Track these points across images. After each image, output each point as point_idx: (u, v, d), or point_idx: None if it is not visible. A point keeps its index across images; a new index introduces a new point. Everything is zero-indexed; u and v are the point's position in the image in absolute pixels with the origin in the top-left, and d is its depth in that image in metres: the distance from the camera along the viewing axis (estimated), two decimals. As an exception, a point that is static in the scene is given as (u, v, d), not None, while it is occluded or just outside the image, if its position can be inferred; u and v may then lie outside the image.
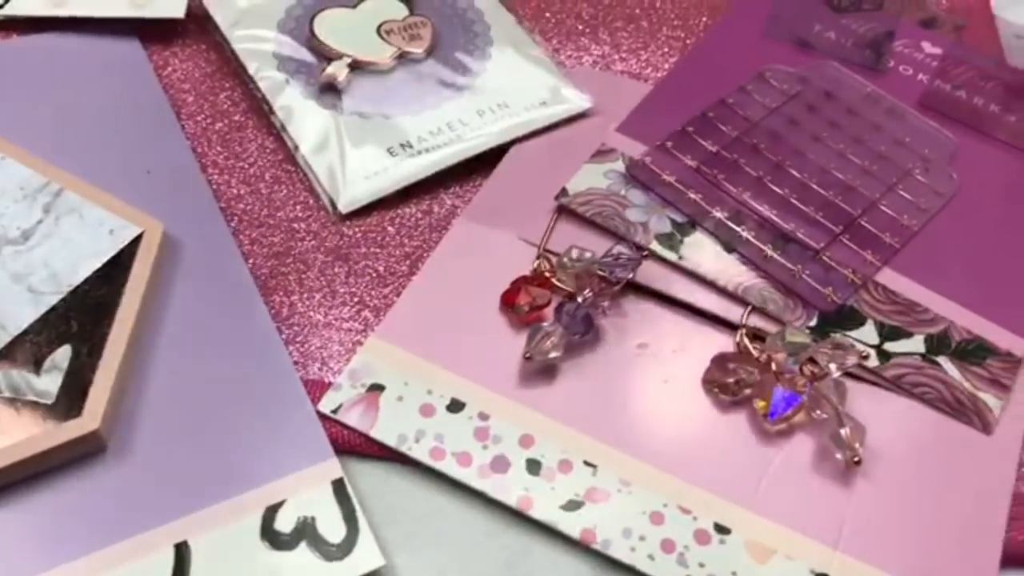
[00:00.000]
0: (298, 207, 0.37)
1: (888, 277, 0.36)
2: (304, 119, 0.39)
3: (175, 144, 0.38)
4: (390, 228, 0.37)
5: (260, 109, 0.40)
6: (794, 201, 0.37)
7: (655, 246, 0.36)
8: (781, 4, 0.46)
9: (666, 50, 0.45)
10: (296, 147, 0.38)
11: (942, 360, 0.34)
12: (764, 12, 0.45)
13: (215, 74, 0.42)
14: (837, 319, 0.34)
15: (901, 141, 0.40)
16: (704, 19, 0.46)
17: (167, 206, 0.36)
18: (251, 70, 0.40)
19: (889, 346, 0.34)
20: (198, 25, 0.43)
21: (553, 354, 0.32)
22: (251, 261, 0.36)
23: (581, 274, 0.34)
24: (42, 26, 0.42)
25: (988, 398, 0.33)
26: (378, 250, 0.36)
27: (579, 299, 0.33)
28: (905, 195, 0.38)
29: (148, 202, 0.36)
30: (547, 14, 0.46)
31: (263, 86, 0.40)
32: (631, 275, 0.34)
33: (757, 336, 0.34)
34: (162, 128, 0.39)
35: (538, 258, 0.35)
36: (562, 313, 0.33)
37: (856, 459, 0.31)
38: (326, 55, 0.41)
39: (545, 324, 0.33)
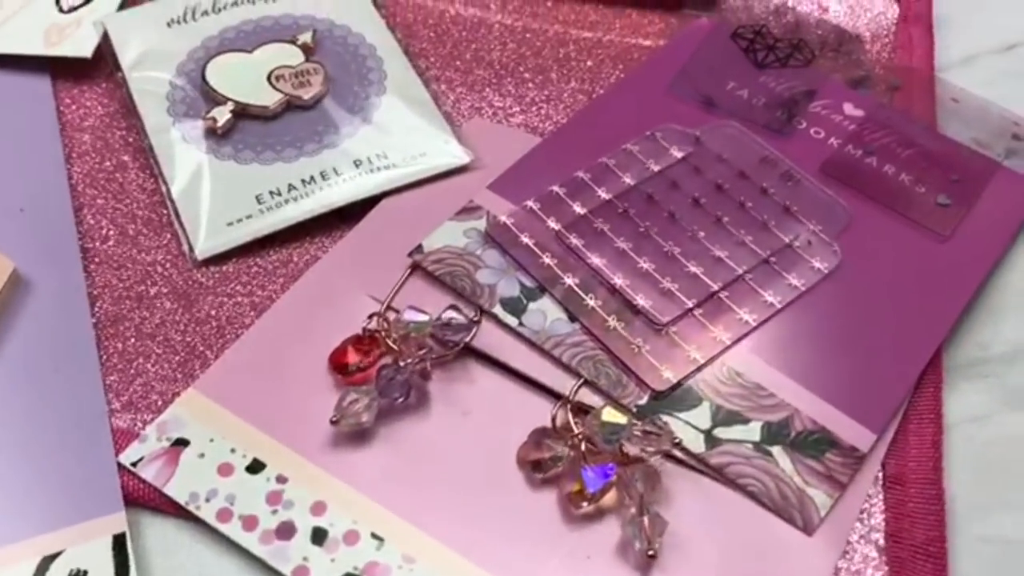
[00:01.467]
0: (160, 251, 0.38)
1: (738, 356, 0.34)
2: (180, 162, 0.39)
3: (56, 184, 0.39)
4: (245, 277, 0.37)
5: (148, 150, 0.41)
6: (652, 272, 0.36)
7: (497, 310, 0.35)
8: (697, 59, 0.44)
9: (570, 103, 0.44)
10: (168, 190, 0.39)
11: (776, 451, 0.32)
12: (676, 68, 0.44)
13: (115, 114, 0.43)
14: (670, 399, 0.33)
15: (788, 210, 0.38)
16: (618, 73, 0.45)
17: (30, 245, 0.37)
18: (140, 110, 0.41)
19: (720, 432, 0.32)
20: (111, 63, 0.44)
21: (364, 418, 0.32)
22: (99, 304, 0.36)
23: (413, 337, 0.34)
24: (-40, 60, 0.44)
25: (818, 495, 0.31)
26: (226, 299, 0.37)
27: (401, 363, 0.33)
28: (778, 269, 0.37)
29: (13, 240, 0.37)
30: (457, 61, 0.45)
31: (148, 126, 0.41)
32: (462, 341, 0.34)
33: (584, 410, 0.33)
34: (48, 167, 0.40)
35: (371, 317, 0.35)
36: (380, 376, 0.33)
37: (651, 552, 0.29)
38: (215, 100, 0.41)
39: (359, 387, 0.33)
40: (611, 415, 0.32)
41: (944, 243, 0.38)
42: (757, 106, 0.43)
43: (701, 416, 0.33)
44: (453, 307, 0.34)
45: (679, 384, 0.33)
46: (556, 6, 0.48)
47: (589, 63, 0.46)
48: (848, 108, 0.43)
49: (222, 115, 0.40)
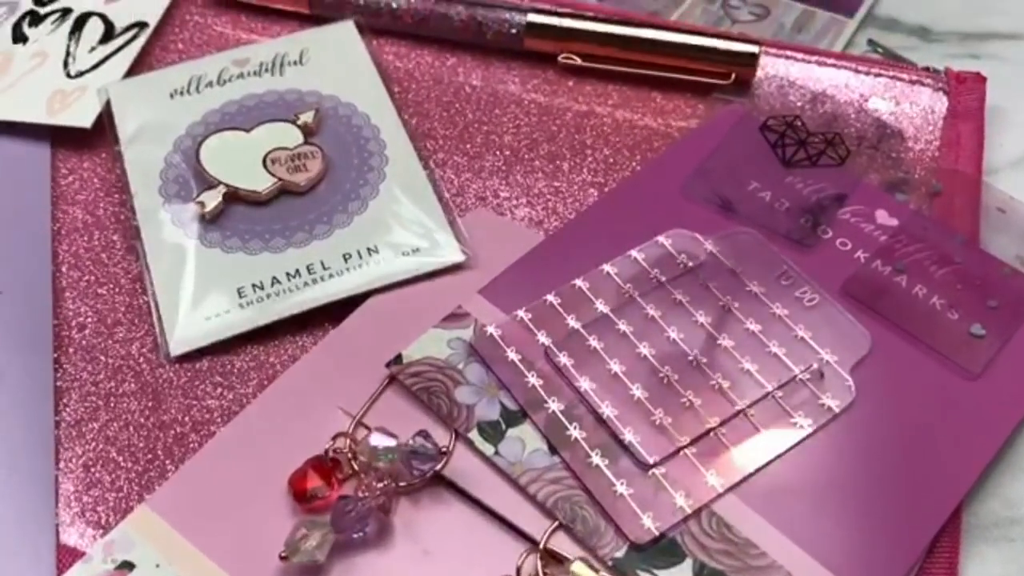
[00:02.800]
0: (135, 343, 0.37)
1: (729, 506, 0.31)
2: (165, 247, 0.38)
3: (39, 266, 0.38)
4: (217, 376, 0.36)
5: (135, 232, 0.39)
6: (644, 400, 0.33)
7: (474, 435, 0.33)
8: (720, 154, 0.42)
9: (580, 197, 0.41)
10: (149, 276, 0.38)
11: (761, 621, 0.29)
12: (696, 162, 0.41)
13: (111, 188, 0.42)
14: (650, 552, 0.30)
15: (802, 336, 0.35)
16: (635, 164, 0.43)
17: (3, 332, 0.36)
18: (132, 188, 0.40)
19: (701, 594, 0.30)
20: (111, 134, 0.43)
21: (316, 556, 0.30)
22: (65, 400, 0.35)
23: (379, 464, 0.32)
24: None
25: None
26: (195, 401, 0.35)
27: (361, 494, 0.31)
28: (784, 406, 0.34)
29: (-13, 326, 0.36)
30: (468, 144, 0.43)
31: (137, 206, 0.39)
32: (429, 471, 0.32)
33: (556, 558, 0.30)
34: (35, 246, 0.39)
35: (337, 437, 0.33)
36: (337, 509, 0.31)
37: None
38: (207, 181, 0.40)
39: (314, 519, 0.30)
40: (581, 569, 0.29)
41: (974, 381, 0.35)
42: (780, 211, 0.40)
43: (683, 573, 0.30)
44: (422, 433, 0.32)
45: (662, 536, 0.31)
46: (579, 84, 0.46)
47: (605, 151, 0.43)
48: (881, 216, 0.40)
49: (211, 200, 0.39)
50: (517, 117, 0.44)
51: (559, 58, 0.46)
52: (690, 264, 0.37)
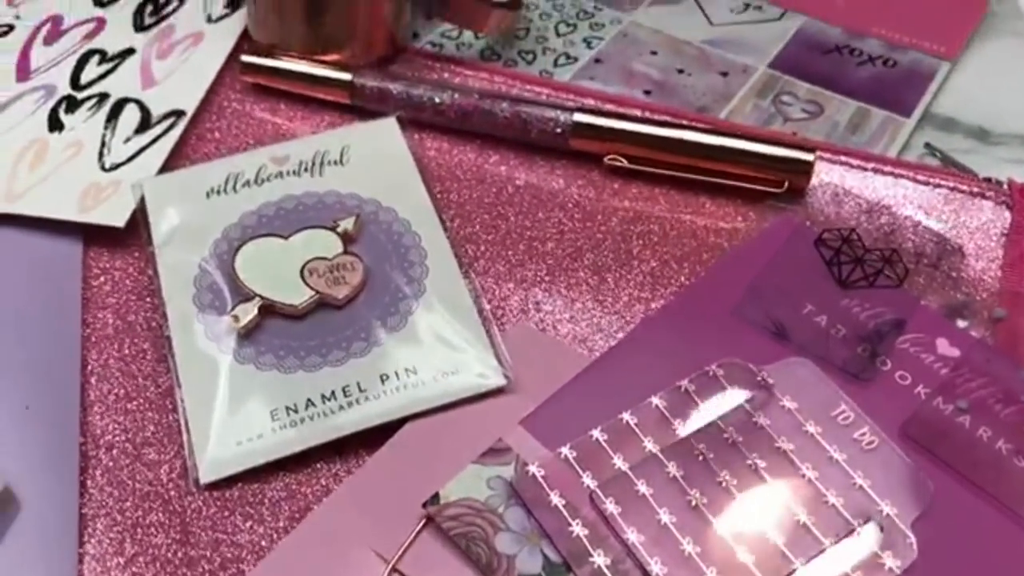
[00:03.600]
0: (164, 468, 0.35)
1: None
2: (196, 361, 0.37)
3: (68, 378, 0.37)
4: (248, 508, 0.34)
5: (167, 342, 0.38)
6: (695, 556, 0.32)
7: (514, 590, 0.31)
8: (773, 270, 0.40)
9: (626, 315, 0.40)
10: (180, 393, 0.36)
11: None
12: (749, 279, 0.40)
13: (143, 291, 0.40)
14: None
15: (861, 485, 0.34)
16: (684, 277, 0.41)
17: (28, 453, 0.35)
18: (165, 295, 0.39)
19: None
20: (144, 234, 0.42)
21: None
22: (90, 530, 0.34)
23: (415, 616, 0.30)
24: (-4, 218, 0.42)
25: None
26: (224, 536, 0.34)
27: (395, 655, 0.29)
28: (841, 564, 0.32)
29: (11, 444, 0.35)
30: (510, 251, 0.42)
31: (170, 315, 0.38)
32: (467, 631, 0.30)
33: None
34: (64, 356, 0.38)
35: (372, 588, 0.31)
36: (370, 671, 0.29)
37: None
38: (243, 292, 0.38)
39: None
40: None
41: (1044, 539, 0.33)
42: (836, 339, 0.38)
43: None
44: (467, 586, 0.30)
45: None
46: (625, 187, 0.45)
47: (653, 263, 0.41)
48: (942, 345, 0.38)
49: (246, 314, 0.37)
50: (561, 222, 0.43)
51: (605, 159, 0.45)
52: (741, 399, 0.36)
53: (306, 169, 0.43)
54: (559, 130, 0.45)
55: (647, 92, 0.50)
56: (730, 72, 0.51)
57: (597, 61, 0.51)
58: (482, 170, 0.45)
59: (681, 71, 0.51)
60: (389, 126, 0.45)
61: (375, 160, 0.43)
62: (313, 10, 0.47)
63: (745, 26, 0.53)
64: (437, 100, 0.46)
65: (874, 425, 0.35)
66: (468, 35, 0.52)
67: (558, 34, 0.53)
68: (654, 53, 0.52)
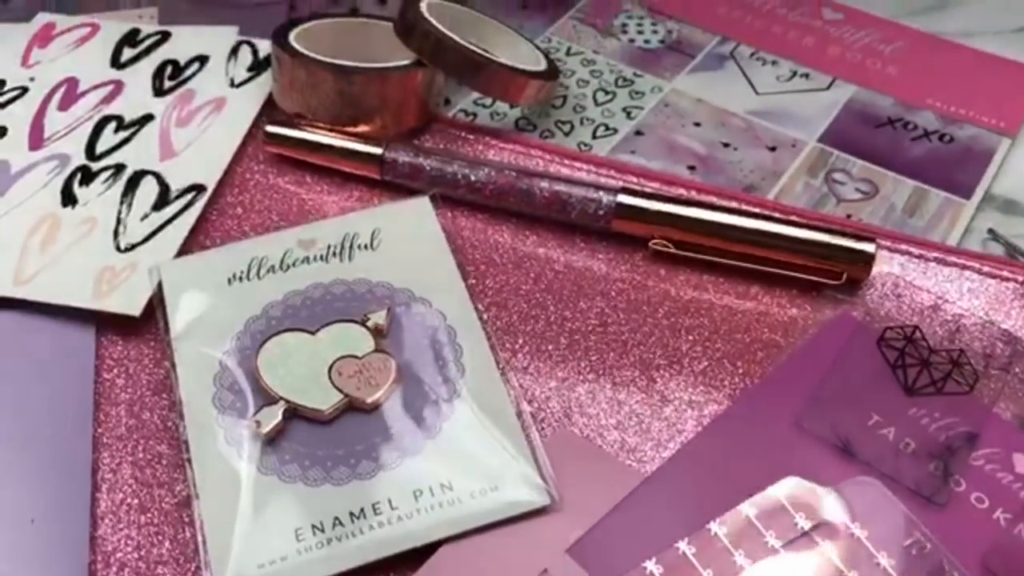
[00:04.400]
0: (179, 592, 0.33)
1: None
2: (215, 470, 0.34)
3: (78, 485, 0.34)
4: (270, 641, 0.31)
5: (184, 447, 0.36)
6: None
7: None
8: (836, 376, 0.37)
9: (676, 422, 0.37)
10: (198, 505, 0.34)
11: None
12: (810, 385, 0.37)
13: (159, 386, 0.38)
14: None
15: (941, 627, 0.31)
16: (738, 380, 0.38)
17: (31, 570, 0.32)
18: (183, 394, 0.36)
19: None
20: (161, 323, 0.39)
21: None
22: (98, 666, 0.31)
23: None
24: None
25: None
26: (244, 674, 0.31)
27: None
28: None
29: (15, 563, 0.32)
30: (550, 345, 0.39)
31: (188, 417, 0.36)
32: None
33: None
34: (73, 458, 0.35)
35: None
36: None
37: None
38: (266, 394, 0.36)
39: None
40: None
41: None
42: (905, 455, 0.35)
43: None
44: None
45: None
46: (672, 273, 0.42)
47: (704, 363, 0.39)
48: (1019, 462, 0.35)
49: (270, 419, 0.35)
50: (604, 312, 0.40)
51: (650, 243, 0.42)
52: (808, 526, 0.33)
53: (335, 254, 0.40)
54: (601, 211, 0.42)
55: (691, 168, 0.47)
56: (778, 146, 0.48)
57: (638, 133, 0.49)
58: (519, 252, 0.43)
59: (727, 145, 0.48)
60: (422, 207, 0.42)
61: (407, 244, 0.41)
62: (342, 80, 0.44)
63: (792, 96, 0.51)
64: (473, 178, 0.43)
65: (951, 557, 0.32)
66: (502, 103, 0.50)
67: (596, 103, 0.50)
68: (697, 125, 0.49)
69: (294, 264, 0.40)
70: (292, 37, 0.46)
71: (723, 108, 0.50)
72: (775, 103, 0.51)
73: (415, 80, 0.45)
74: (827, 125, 0.49)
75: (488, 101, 0.50)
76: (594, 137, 0.49)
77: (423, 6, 0.47)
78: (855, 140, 0.49)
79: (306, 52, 0.45)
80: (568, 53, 0.53)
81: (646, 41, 0.54)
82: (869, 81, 0.52)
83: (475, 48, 0.45)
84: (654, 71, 0.52)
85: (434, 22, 0.45)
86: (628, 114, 0.50)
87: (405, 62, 0.46)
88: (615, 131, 0.49)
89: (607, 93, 0.51)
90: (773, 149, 0.48)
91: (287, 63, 0.45)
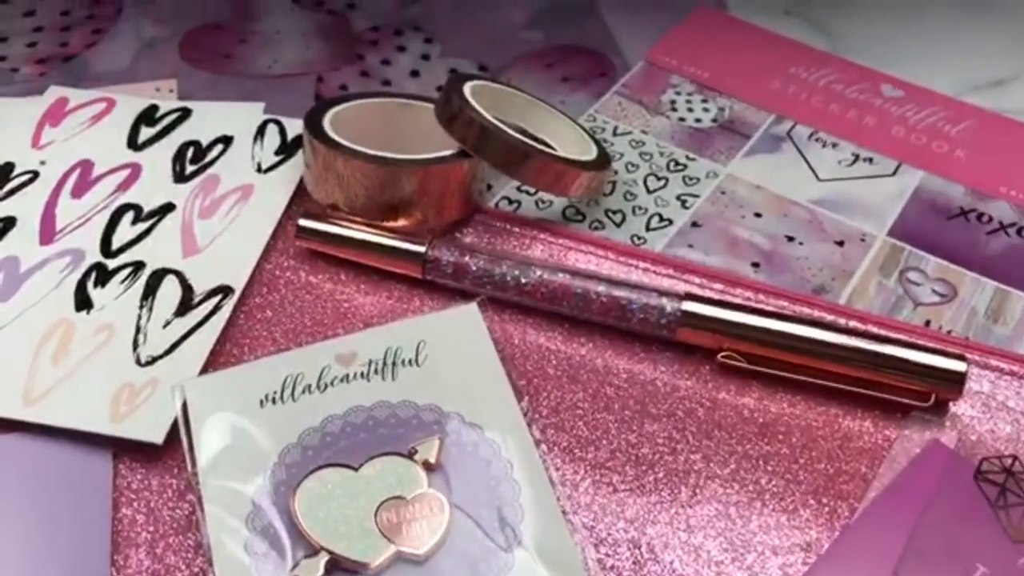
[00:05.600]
0: None
1: None
2: (251, 637, 0.30)
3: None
4: None
5: (212, 597, 0.32)
6: None
7: None
8: (932, 520, 0.34)
9: (760, 569, 0.33)
10: None
11: None
12: (905, 529, 0.33)
13: (183, 525, 0.34)
14: None
15: None
16: (821, 520, 0.35)
17: None
18: (211, 540, 0.32)
19: None
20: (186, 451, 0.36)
21: None
22: None
23: None
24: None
25: None
26: None
27: None
28: None
29: None
30: (615, 476, 0.36)
31: (217, 566, 0.32)
32: None
33: None
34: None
35: None
36: None
37: None
38: (305, 542, 0.32)
39: None
40: None
41: None
42: (1020, 617, 0.32)
43: None
44: None
45: None
46: (743, 388, 0.38)
47: (785, 501, 0.35)
48: None
49: (311, 574, 0.31)
50: (672, 437, 0.37)
51: (719, 356, 0.39)
52: None
53: (376, 371, 0.37)
54: (664, 320, 0.39)
55: (755, 265, 0.44)
56: (846, 241, 0.45)
57: (695, 224, 0.45)
58: (574, 362, 0.39)
59: (791, 239, 0.45)
60: (470, 315, 0.39)
61: (455, 360, 0.37)
62: (383, 172, 0.41)
63: (856, 183, 0.48)
64: (523, 280, 0.40)
65: None
66: (548, 189, 0.47)
67: (648, 190, 0.47)
68: (758, 215, 0.46)
69: (332, 383, 0.36)
70: (327, 122, 0.43)
71: (784, 196, 0.47)
72: (839, 191, 0.47)
73: (460, 171, 0.42)
74: (896, 216, 0.46)
75: (531, 188, 0.47)
76: (648, 229, 0.45)
77: (467, 90, 0.43)
78: (927, 234, 0.45)
79: (343, 141, 0.42)
80: (615, 133, 0.50)
81: (697, 120, 0.51)
82: (937, 166, 0.49)
83: (522, 138, 0.42)
84: (708, 154, 0.49)
85: (479, 109, 0.42)
86: (683, 203, 0.46)
87: (449, 152, 0.42)
88: (670, 222, 0.45)
89: (659, 179, 0.48)
90: (841, 244, 0.45)
91: (321, 152, 0.42)
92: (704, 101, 0.52)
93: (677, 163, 0.48)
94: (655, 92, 0.52)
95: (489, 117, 0.42)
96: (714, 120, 0.51)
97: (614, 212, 0.46)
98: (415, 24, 0.57)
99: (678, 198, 0.47)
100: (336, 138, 0.42)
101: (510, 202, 0.46)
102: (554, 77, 0.54)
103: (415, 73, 0.54)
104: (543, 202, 0.46)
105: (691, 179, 0.48)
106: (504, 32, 0.57)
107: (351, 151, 0.41)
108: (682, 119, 0.51)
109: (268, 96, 0.50)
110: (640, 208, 0.46)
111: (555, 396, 0.38)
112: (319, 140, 0.42)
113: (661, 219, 0.46)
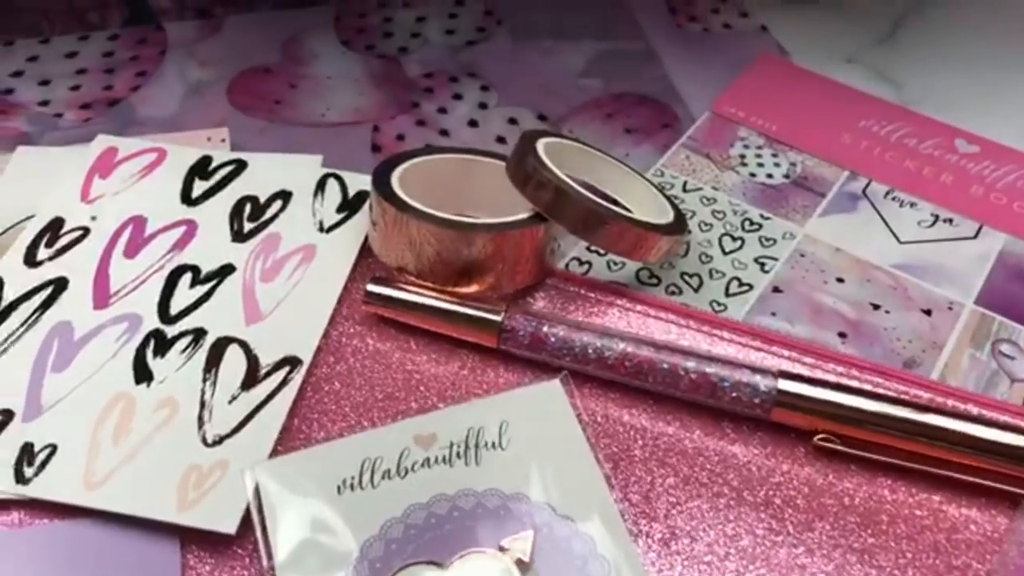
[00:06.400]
0: None
1: None
2: None
3: None
4: None
5: None
6: None
7: None
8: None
9: None
10: None
11: None
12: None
13: (257, 620, 0.32)
14: None
15: None
16: (938, 620, 0.33)
17: None
18: (294, 647, 0.30)
19: None
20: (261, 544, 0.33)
21: None
22: None
23: None
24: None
25: None
26: None
27: None
28: None
29: None
30: (713, 570, 0.33)
31: None
32: None
33: None
34: None
35: None
36: None
37: None
38: (394, 646, 0.30)
39: None
40: None
41: None
42: None
43: None
44: None
45: None
46: (842, 473, 0.36)
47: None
48: None
49: None
50: (772, 527, 0.35)
51: (815, 440, 0.37)
52: None
53: (459, 455, 0.34)
54: (758, 400, 0.37)
55: (842, 335, 0.42)
56: (934, 310, 0.43)
57: (776, 290, 0.43)
58: (661, 444, 0.37)
59: (877, 307, 0.43)
60: (553, 392, 0.37)
61: (541, 442, 0.35)
62: (456, 237, 0.39)
63: (939, 245, 0.46)
64: (606, 353, 0.38)
65: None
66: (620, 250, 0.45)
67: (724, 251, 0.45)
68: (841, 280, 0.44)
69: (413, 468, 0.34)
70: (395, 182, 0.41)
71: (865, 260, 0.45)
72: (921, 255, 0.45)
73: (535, 236, 0.40)
74: (982, 283, 0.44)
75: (609, 253, 0.45)
76: (727, 295, 0.43)
77: (540, 148, 0.41)
78: (1016, 301, 0.43)
79: (414, 203, 0.40)
80: (685, 188, 0.48)
81: (768, 175, 0.49)
82: (1020, 229, 0.47)
83: (602, 202, 0.40)
84: (783, 212, 0.47)
85: (556, 171, 0.40)
86: (762, 266, 0.44)
87: (524, 215, 0.40)
88: (750, 287, 0.44)
89: (734, 239, 0.46)
90: (928, 312, 0.43)
91: (391, 213, 0.40)
92: (774, 155, 0.50)
93: (752, 222, 0.47)
94: (723, 145, 0.51)
95: (567, 180, 0.40)
96: (786, 176, 0.49)
97: (690, 276, 0.44)
98: (469, 70, 0.55)
99: (756, 260, 0.45)
100: (407, 199, 0.40)
101: (580, 263, 0.44)
102: (616, 128, 0.52)
103: (473, 123, 0.52)
104: (615, 263, 0.44)
105: (767, 240, 0.46)
106: (560, 79, 0.55)
107: (424, 214, 0.39)
108: (753, 174, 0.49)
109: (323, 146, 0.48)
110: (717, 272, 0.44)
111: (645, 481, 0.36)
112: (389, 202, 0.40)
113: (740, 284, 0.44)
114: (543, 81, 0.55)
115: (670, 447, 0.37)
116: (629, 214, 0.41)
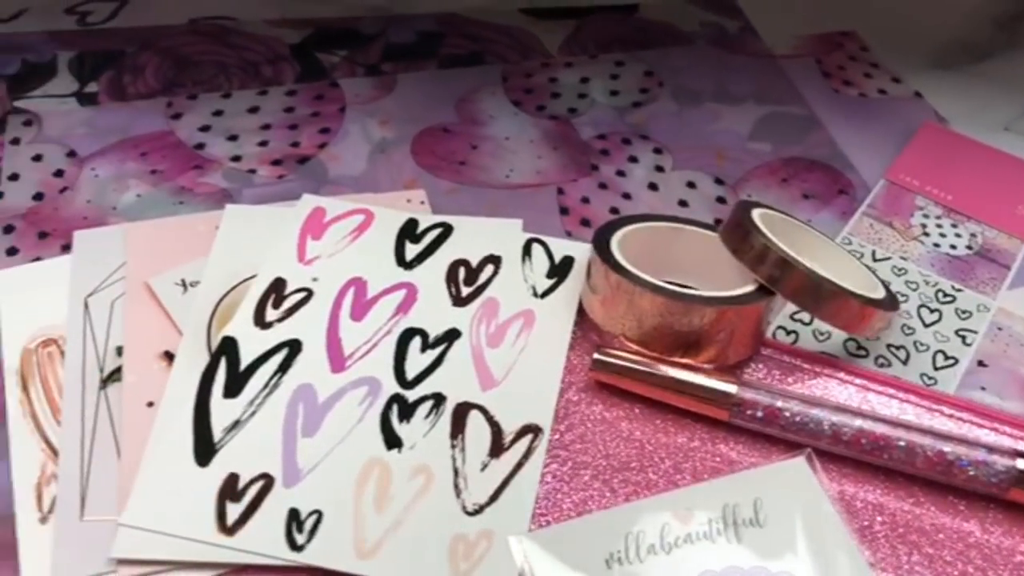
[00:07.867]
0: None
1: None
2: None
3: None
4: None
5: None
6: None
7: None
8: None
9: None
10: None
11: None
12: None
13: None
14: None
15: None
16: None
17: None
18: None
19: None
20: (525, 605, 0.34)
21: None
22: None
23: None
24: None
25: None
26: None
27: None
28: None
29: None
30: (975, 653, 0.34)
31: None
32: None
33: None
34: None
35: None
36: None
37: None
38: None
39: None
40: None
41: None
42: None
43: None
44: None
45: None
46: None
47: None
48: None
49: None
50: (1022, 609, 0.35)
51: (1055, 520, 0.37)
52: None
53: (719, 531, 0.35)
54: (995, 479, 0.38)
55: (1054, 412, 0.42)
56: None
57: (981, 364, 0.44)
58: (899, 521, 0.38)
59: (1083, 383, 0.44)
60: (799, 469, 0.37)
61: (794, 520, 0.36)
62: (682, 309, 0.39)
63: None
64: (844, 429, 0.39)
65: None
66: (822, 320, 0.45)
67: (924, 323, 0.46)
68: (1043, 355, 0.45)
69: (675, 543, 0.35)
70: (615, 249, 0.42)
71: (1062, 335, 0.46)
72: (1116, 330, 0.46)
73: (759, 310, 0.41)
74: None
75: (806, 317, 0.46)
76: (935, 368, 0.44)
77: (758, 219, 0.42)
78: None
79: (638, 272, 0.41)
80: (875, 258, 0.49)
81: (952, 246, 0.50)
82: None
83: (828, 276, 0.41)
84: (973, 284, 0.48)
85: (780, 244, 0.41)
86: (963, 339, 0.45)
87: (750, 288, 0.41)
88: (955, 360, 0.44)
89: (931, 311, 0.46)
90: None
91: (613, 280, 0.40)
92: (954, 226, 0.51)
93: (945, 294, 0.47)
94: (904, 215, 0.51)
95: (792, 253, 0.41)
96: (968, 247, 0.50)
97: (896, 348, 0.45)
98: (641, 132, 0.56)
99: (957, 334, 0.45)
100: (631, 268, 0.41)
101: (787, 332, 0.45)
102: (794, 193, 0.53)
103: (653, 186, 0.53)
104: (821, 333, 0.45)
105: (963, 312, 0.46)
106: (730, 142, 0.56)
107: (653, 285, 0.40)
108: (937, 244, 0.50)
109: (513, 208, 0.49)
110: (921, 344, 0.45)
111: (891, 562, 0.36)
112: (615, 271, 0.41)
113: (946, 357, 0.44)
114: (714, 144, 0.56)
115: (908, 525, 0.38)
116: (849, 288, 0.42)
